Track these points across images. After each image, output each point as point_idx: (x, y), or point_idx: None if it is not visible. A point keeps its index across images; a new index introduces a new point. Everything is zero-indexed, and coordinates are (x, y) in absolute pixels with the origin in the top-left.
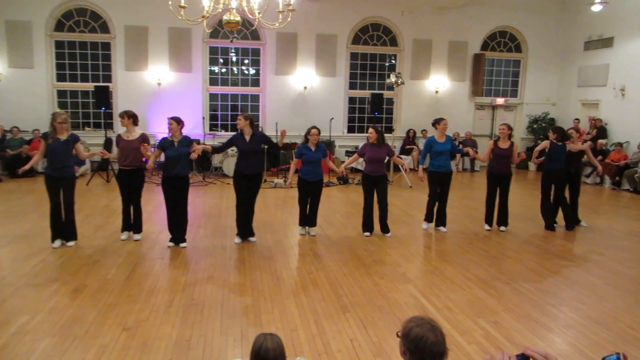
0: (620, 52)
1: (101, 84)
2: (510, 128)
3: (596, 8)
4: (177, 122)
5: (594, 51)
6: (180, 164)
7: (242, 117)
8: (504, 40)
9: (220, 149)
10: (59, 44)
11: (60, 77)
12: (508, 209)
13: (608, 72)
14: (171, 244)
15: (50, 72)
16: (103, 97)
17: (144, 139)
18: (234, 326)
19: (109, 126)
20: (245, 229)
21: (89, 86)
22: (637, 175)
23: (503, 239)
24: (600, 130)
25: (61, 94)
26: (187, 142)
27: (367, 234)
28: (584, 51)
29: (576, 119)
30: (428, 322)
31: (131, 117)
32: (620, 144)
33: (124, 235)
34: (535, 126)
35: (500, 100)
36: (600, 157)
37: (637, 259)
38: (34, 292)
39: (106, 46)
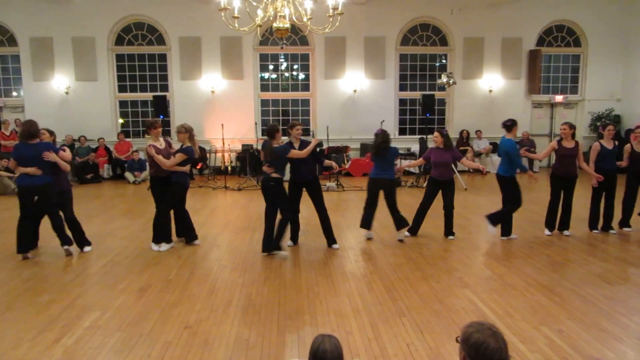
0: None
1: (159, 93)
2: (572, 127)
3: None
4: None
5: None
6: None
7: (300, 127)
8: (561, 35)
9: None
10: (119, 57)
11: (122, 88)
12: (571, 212)
13: None
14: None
15: (112, 83)
16: (161, 106)
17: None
18: (290, 327)
19: (167, 133)
20: (326, 235)
21: (148, 96)
22: None
23: (566, 243)
24: None
25: (122, 104)
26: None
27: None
28: None
29: None
30: (489, 327)
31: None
32: None
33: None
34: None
35: (559, 98)
36: None
37: None
38: (103, 291)
39: (162, 57)
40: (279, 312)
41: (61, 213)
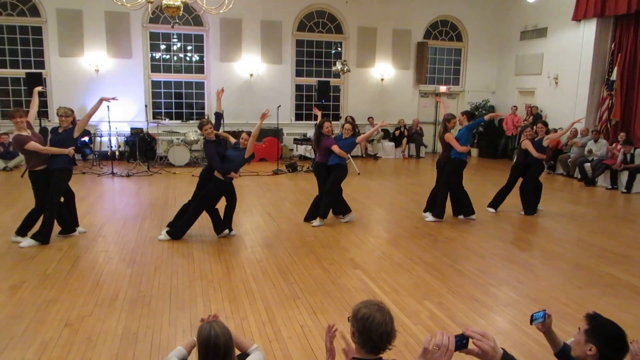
0: (553, 41)
1: (33, 70)
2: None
3: None
4: None
5: (530, 41)
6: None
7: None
8: (445, 29)
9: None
10: None
11: None
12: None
13: (542, 61)
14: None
15: None
16: (35, 84)
17: None
18: (182, 317)
19: (44, 115)
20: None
21: (20, 73)
22: (569, 159)
23: (444, 223)
24: (536, 117)
25: None
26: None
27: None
28: (520, 41)
29: (514, 106)
30: (376, 303)
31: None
32: (554, 130)
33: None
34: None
35: (443, 88)
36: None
37: (568, 239)
38: None
39: (37, 31)
40: (171, 302)
41: None
